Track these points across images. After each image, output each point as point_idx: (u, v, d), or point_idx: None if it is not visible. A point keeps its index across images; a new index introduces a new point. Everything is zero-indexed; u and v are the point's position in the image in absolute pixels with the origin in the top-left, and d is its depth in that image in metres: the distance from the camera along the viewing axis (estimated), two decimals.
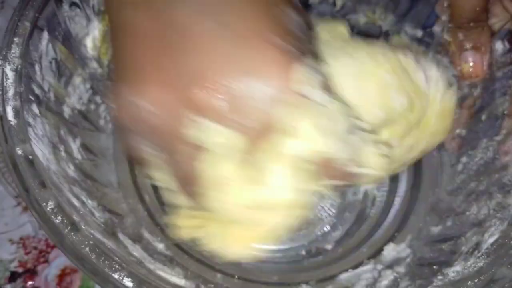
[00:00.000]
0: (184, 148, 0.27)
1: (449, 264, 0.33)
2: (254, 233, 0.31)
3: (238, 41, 0.25)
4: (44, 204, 0.26)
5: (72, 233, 0.26)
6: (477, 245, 0.32)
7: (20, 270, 0.44)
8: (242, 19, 0.25)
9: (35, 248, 0.45)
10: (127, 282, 0.25)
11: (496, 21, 0.39)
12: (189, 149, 0.27)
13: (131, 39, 0.26)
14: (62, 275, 0.45)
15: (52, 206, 0.26)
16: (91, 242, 0.26)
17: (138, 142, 0.28)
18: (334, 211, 0.46)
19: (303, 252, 0.44)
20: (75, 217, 0.27)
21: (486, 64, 0.38)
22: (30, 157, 0.28)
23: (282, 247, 0.45)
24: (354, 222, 0.45)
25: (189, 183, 0.28)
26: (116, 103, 0.27)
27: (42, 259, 0.45)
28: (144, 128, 0.27)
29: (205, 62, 0.25)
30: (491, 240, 0.32)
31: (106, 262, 0.25)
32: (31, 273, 0.44)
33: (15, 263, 0.44)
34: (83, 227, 0.27)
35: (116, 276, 0.25)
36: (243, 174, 0.27)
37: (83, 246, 0.26)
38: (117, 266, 0.25)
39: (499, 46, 0.39)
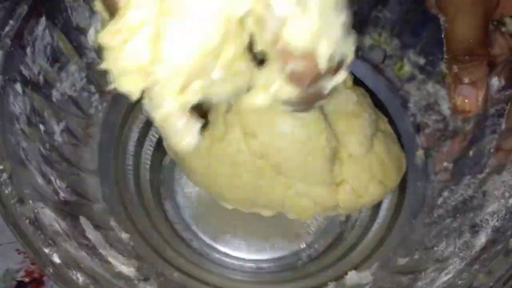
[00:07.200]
0: None
1: None
2: None
3: None
4: None
5: (16, 205, 0.27)
6: (432, 282, 0.31)
7: (26, 279, 0.44)
8: None
9: None
10: (56, 258, 0.26)
11: (501, 53, 0.38)
12: None
13: None
14: None
15: (5, 177, 0.28)
16: (32, 216, 0.27)
17: None
18: (313, 229, 0.46)
19: (273, 266, 0.44)
20: (27, 191, 0.28)
21: (481, 100, 0.36)
22: None
23: (255, 257, 0.45)
24: (330, 243, 0.44)
25: None
26: None
27: None
28: None
29: None
30: (445, 278, 0.31)
31: (41, 236, 0.26)
32: (37, 283, 0.44)
33: (22, 273, 0.44)
34: (30, 202, 0.28)
35: (46, 250, 0.26)
36: None
37: (24, 218, 0.27)
38: (49, 242, 0.26)
39: (495, 82, 0.37)
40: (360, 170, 0.37)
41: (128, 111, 0.44)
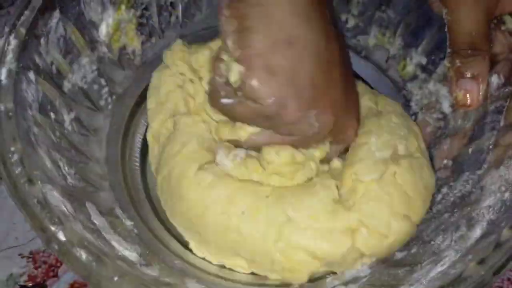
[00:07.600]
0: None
1: (395, 287, 0.32)
2: None
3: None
4: (10, 155, 0.29)
5: (26, 185, 0.28)
6: (426, 273, 0.32)
7: (29, 284, 0.45)
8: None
9: (45, 262, 0.46)
10: (61, 236, 0.27)
11: (501, 51, 0.38)
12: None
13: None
14: None
15: (16, 158, 0.29)
16: (40, 195, 0.28)
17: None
18: None
19: None
20: (36, 173, 0.30)
21: (482, 95, 0.37)
22: (10, 114, 0.31)
23: None
24: None
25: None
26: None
27: (51, 274, 0.45)
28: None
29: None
30: (440, 269, 0.31)
31: (48, 214, 0.27)
32: (40, 287, 0.44)
33: (25, 277, 0.45)
34: (39, 183, 0.29)
35: (52, 228, 0.27)
36: None
37: (32, 197, 0.28)
38: (56, 220, 0.27)
39: (495, 79, 0.38)
40: (377, 207, 0.35)
41: (136, 105, 0.46)
